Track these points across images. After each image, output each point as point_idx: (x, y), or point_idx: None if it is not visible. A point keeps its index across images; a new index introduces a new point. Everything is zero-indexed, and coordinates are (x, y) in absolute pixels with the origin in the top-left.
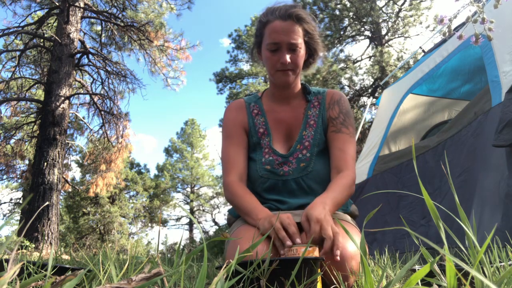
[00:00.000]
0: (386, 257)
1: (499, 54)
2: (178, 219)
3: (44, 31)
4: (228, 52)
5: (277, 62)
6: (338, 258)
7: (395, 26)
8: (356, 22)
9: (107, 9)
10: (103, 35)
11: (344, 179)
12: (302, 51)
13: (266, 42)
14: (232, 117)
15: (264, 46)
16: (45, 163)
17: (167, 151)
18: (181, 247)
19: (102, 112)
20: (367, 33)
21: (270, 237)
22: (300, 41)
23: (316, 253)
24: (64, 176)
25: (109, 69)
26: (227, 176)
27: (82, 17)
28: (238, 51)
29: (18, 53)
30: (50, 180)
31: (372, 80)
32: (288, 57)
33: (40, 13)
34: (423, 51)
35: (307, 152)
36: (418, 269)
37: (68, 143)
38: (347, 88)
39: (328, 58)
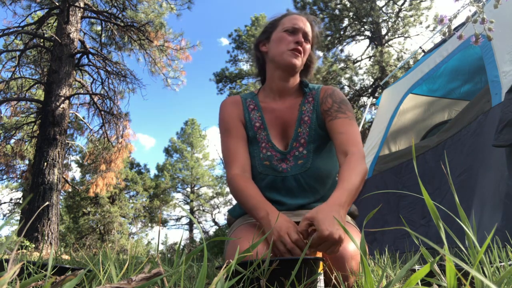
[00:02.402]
0: (386, 257)
1: (499, 54)
2: (178, 219)
3: (44, 31)
4: (228, 52)
5: (291, 42)
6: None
7: (395, 26)
8: (356, 22)
9: (107, 9)
10: (103, 35)
11: (351, 162)
12: (309, 48)
13: (284, 26)
14: (228, 111)
15: (279, 30)
16: (45, 163)
17: (167, 151)
18: (181, 247)
19: (102, 112)
20: (367, 33)
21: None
22: (311, 38)
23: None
24: (64, 176)
25: (109, 69)
26: (229, 170)
27: (82, 17)
28: (238, 51)
29: (18, 53)
30: (50, 180)
31: (372, 80)
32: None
33: (40, 13)
34: (423, 51)
35: (303, 150)
36: (418, 269)
37: (68, 143)
38: (347, 88)
39: (328, 58)
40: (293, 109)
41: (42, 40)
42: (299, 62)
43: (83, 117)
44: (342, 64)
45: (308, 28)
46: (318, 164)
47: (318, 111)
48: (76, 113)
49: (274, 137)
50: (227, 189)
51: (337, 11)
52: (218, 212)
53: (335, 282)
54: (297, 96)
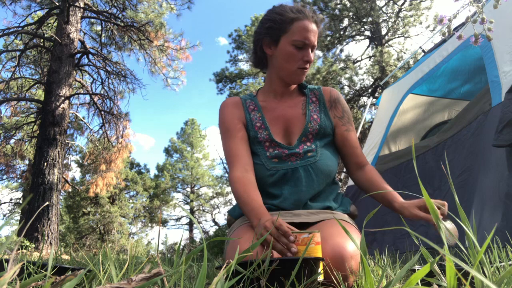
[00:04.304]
0: (386, 257)
1: (499, 54)
2: (178, 219)
3: (44, 31)
4: (228, 52)
5: (300, 60)
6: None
7: (395, 26)
8: (356, 22)
9: (107, 9)
10: (103, 35)
11: (374, 171)
12: (314, 54)
13: (294, 38)
14: (229, 112)
15: (288, 41)
16: (45, 163)
17: (167, 151)
18: (181, 247)
19: (102, 112)
20: (367, 33)
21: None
22: (316, 43)
23: (316, 238)
24: (64, 176)
25: (109, 69)
26: (231, 172)
27: (82, 17)
28: (238, 51)
29: (18, 53)
30: (50, 180)
31: (372, 80)
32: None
33: (40, 13)
34: (423, 51)
35: (311, 144)
36: (418, 269)
37: (68, 143)
38: (347, 88)
39: (328, 58)
40: (296, 107)
41: (42, 40)
42: (304, 77)
43: (83, 117)
44: (342, 64)
45: (316, 36)
46: (325, 159)
47: (326, 112)
48: (76, 113)
49: (276, 135)
50: (227, 189)
51: (337, 11)
52: (218, 212)
53: (335, 282)
54: (298, 95)
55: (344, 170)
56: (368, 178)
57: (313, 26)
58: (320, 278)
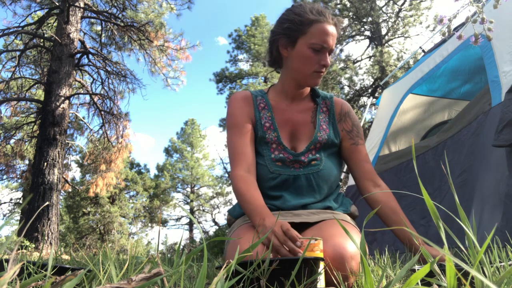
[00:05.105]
0: (386, 257)
1: (499, 54)
2: (178, 219)
3: (44, 31)
4: (228, 52)
5: (317, 63)
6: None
7: (395, 26)
8: (356, 22)
9: (107, 9)
10: (103, 35)
11: (392, 198)
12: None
13: (312, 40)
14: (238, 106)
15: (305, 43)
16: (45, 163)
17: (167, 151)
18: (181, 247)
19: (102, 112)
20: (367, 33)
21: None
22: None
23: (320, 245)
24: (64, 176)
25: (109, 69)
26: (234, 169)
27: (82, 17)
28: (238, 51)
29: (18, 53)
30: (50, 180)
31: (372, 80)
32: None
33: (40, 13)
34: (423, 51)
35: (316, 153)
36: (418, 269)
37: (68, 143)
38: (347, 88)
39: None
40: (306, 113)
41: (42, 40)
42: (320, 80)
43: (83, 117)
44: (342, 64)
45: (335, 40)
46: (328, 169)
47: (334, 124)
48: (76, 113)
49: (283, 138)
50: (227, 189)
51: (337, 11)
52: (218, 212)
53: (335, 282)
54: (309, 101)
55: (344, 170)
56: (389, 207)
57: (332, 29)
58: (322, 285)
